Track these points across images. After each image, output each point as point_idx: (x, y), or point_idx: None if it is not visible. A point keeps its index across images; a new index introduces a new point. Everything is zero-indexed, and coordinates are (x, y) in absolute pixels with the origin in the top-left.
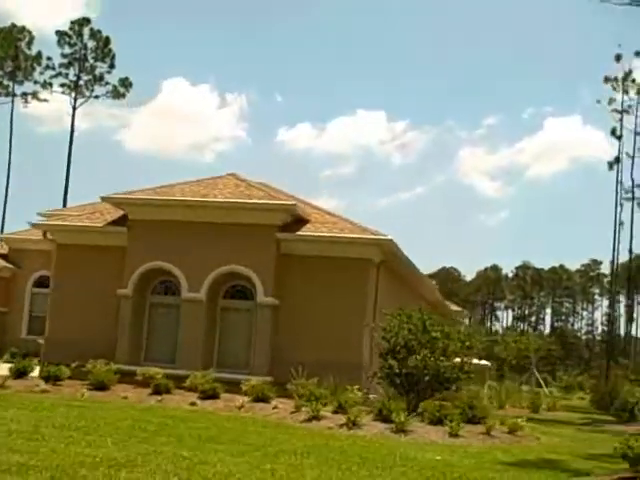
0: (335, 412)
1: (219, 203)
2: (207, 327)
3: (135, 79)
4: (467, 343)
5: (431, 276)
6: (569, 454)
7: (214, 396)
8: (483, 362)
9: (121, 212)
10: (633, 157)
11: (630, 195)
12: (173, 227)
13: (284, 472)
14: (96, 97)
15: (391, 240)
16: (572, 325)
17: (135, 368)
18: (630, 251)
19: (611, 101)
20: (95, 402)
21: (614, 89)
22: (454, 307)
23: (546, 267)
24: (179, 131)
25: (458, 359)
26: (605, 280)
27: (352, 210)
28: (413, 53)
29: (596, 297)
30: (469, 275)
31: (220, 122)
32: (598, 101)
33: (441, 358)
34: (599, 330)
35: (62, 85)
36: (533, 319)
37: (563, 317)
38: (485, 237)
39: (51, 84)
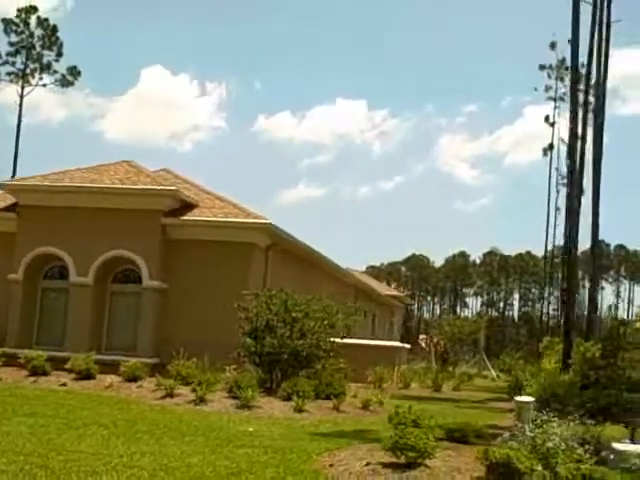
0: (194, 390)
1: (104, 189)
2: (95, 310)
3: (114, 68)
4: (326, 322)
5: (401, 263)
6: None
7: (89, 377)
8: (396, 344)
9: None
10: (568, 144)
11: (566, 181)
12: (62, 213)
13: (63, 440)
14: (44, 86)
15: (269, 224)
16: (540, 311)
17: (21, 351)
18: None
19: (548, 88)
20: None
21: (549, 77)
22: (392, 292)
23: (513, 254)
24: (158, 120)
25: (336, 338)
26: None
27: (332, 199)
28: (394, 41)
29: None
30: (439, 262)
31: (199, 111)
32: (535, 89)
33: (301, 337)
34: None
35: (9, 74)
36: (501, 305)
37: (530, 303)
38: (462, 224)
39: None
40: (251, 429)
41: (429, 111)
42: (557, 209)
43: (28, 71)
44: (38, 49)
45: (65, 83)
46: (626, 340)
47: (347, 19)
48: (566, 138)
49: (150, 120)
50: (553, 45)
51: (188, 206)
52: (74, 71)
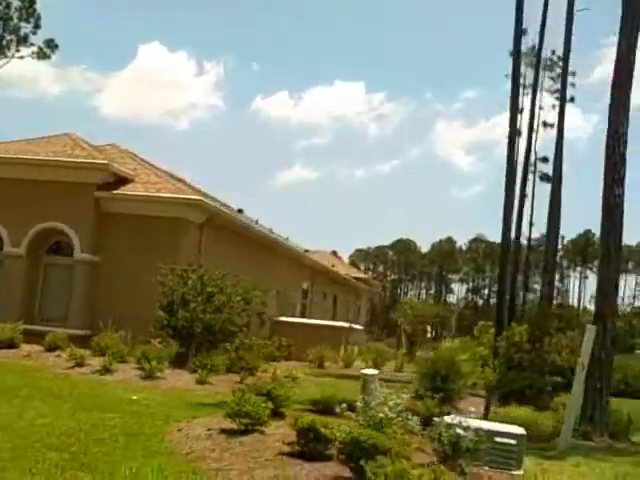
0: None
1: (37, 161)
2: (28, 282)
3: (112, 44)
4: (239, 298)
5: (388, 247)
6: None
7: (12, 346)
8: (343, 324)
9: None
10: (537, 130)
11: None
12: None
13: None
14: (20, 58)
15: (201, 200)
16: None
17: None
18: (530, 224)
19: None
20: None
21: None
22: (359, 274)
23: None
24: (155, 97)
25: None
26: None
27: (327, 181)
28: (394, 24)
29: None
30: (425, 247)
31: (197, 89)
32: (506, 75)
33: (215, 311)
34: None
35: None
36: (486, 292)
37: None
38: (454, 210)
39: None
40: (134, 397)
41: (427, 96)
42: (524, 196)
43: (4, 43)
44: (15, 21)
45: (42, 56)
46: (554, 325)
47: (348, 3)
48: (542, 126)
49: (147, 97)
50: (524, 32)
51: (123, 180)
52: (51, 44)
